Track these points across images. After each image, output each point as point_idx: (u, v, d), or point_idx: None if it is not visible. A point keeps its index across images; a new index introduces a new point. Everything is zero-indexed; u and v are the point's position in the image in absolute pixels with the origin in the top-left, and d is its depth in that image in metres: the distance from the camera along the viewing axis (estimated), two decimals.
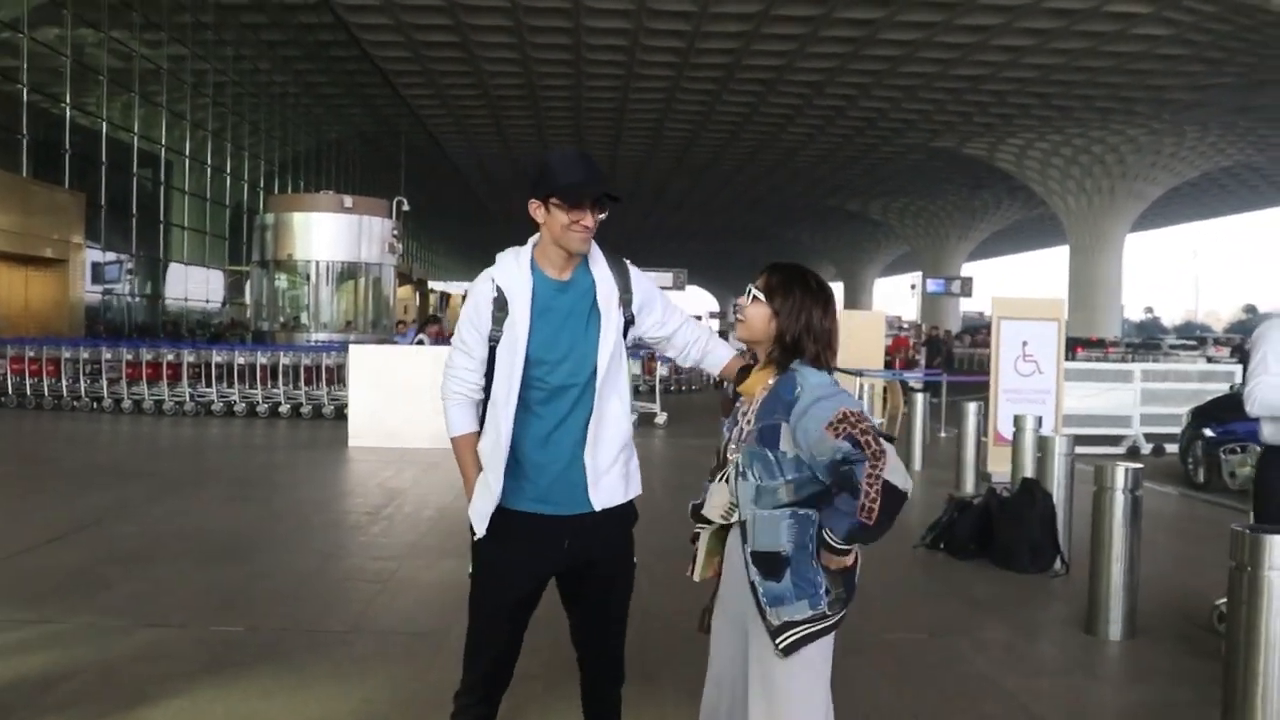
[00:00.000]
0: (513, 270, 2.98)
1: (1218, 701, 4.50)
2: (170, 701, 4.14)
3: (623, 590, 3.13)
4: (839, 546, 2.60)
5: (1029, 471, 7.90)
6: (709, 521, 2.89)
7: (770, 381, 2.79)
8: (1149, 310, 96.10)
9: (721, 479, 2.83)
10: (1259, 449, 5.08)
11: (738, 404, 2.92)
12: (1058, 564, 6.75)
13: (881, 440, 2.57)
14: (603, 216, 2.94)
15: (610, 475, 2.98)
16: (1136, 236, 48.63)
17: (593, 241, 3.01)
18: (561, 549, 2.99)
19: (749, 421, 2.77)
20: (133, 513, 8.12)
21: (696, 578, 2.93)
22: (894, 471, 2.54)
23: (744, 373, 2.94)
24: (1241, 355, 29.29)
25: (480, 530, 3.01)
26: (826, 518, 2.61)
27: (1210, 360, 29.46)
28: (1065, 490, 6.95)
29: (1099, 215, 40.81)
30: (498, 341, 2.95)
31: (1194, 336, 50.41)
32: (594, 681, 3.21)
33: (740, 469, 2.73)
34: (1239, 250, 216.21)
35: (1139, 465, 5.42)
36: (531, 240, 3.04)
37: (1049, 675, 4.84)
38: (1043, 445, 7.12)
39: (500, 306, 2.95)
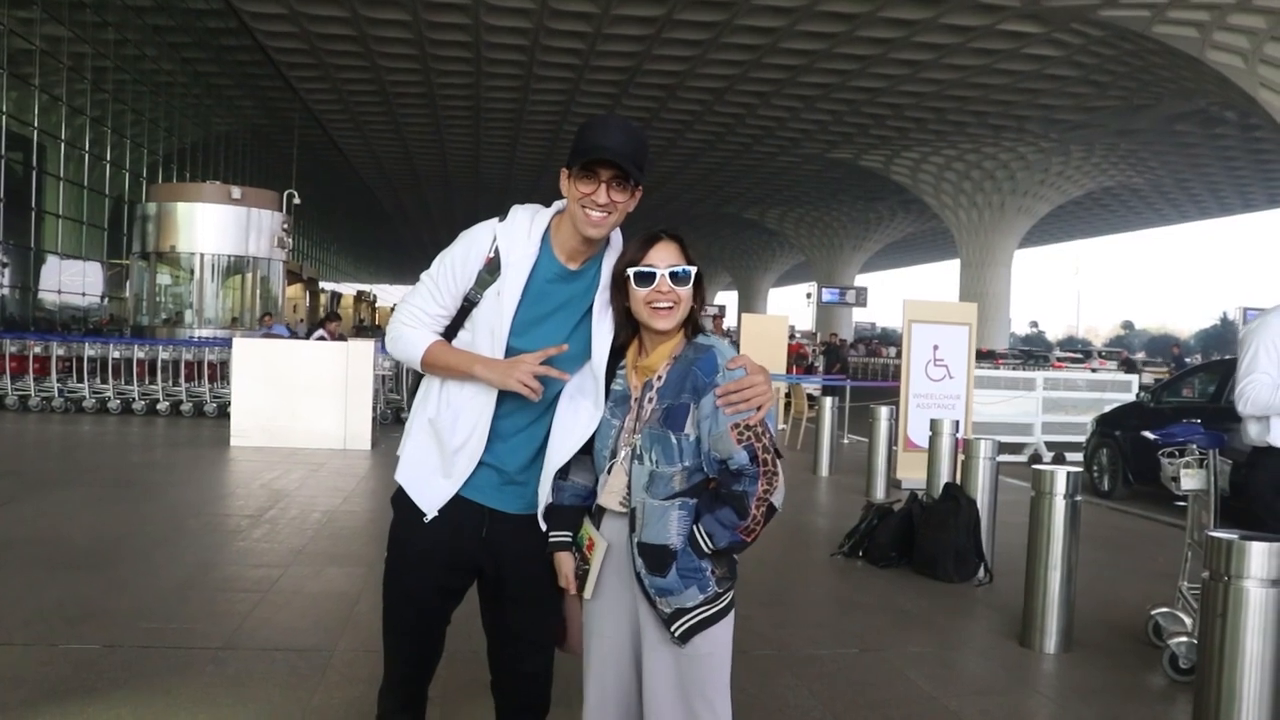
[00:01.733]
0: (520, 236, 2.57)
1: (1167, 718, 4.29)
2: None
3: (547, 606, 2.70)
4: (707, 551, 2.40)
5: (945, 477, 7.70)
6: (573, 526, 2.57)
7: (674, 357, 2.47)
8: (1034, 324, 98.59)
9: (619, 463, 2.49)
10: (1201, 452, 4.90)
11: (625, 384, 2.55)
12: (981, 572, 6.52)
13: (776, 461, 2.39)
14: (624, 201, 2.51)
15: (541, 486, 2.61)
16: (1024, 252, 49.85)
17: (618, 235, 2.62)
18: (479, 536, 2.63)
19: (650, 400, 2.45)
20: None
21: (589, 594, 2.55)
22: (779, 492, 2.40)
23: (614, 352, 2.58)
24: (1129, 367, 30.11)
25: (431, 513, 2.63)
26: (706, 523, 2.40)
27: (1094, 372, 30.15)
28: (990, 496, 6.74)
29: (989, 230, 41.66)
30: (474, 305, 2.60)
31: (1078, 350, 51.92)
32: (508, 708, 2.81)
33: (637, 452, 2.43)
34: (1118, 269, 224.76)
35: (1078, 470, 5.19)
36: (556, 205, 2.63)
37: (991, 693, 4.54)
38: (968, 449, 6.89)
39: (492, 270, 2.56)
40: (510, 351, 2.55)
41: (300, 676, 4.30)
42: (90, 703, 3.87)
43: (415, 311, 2.67)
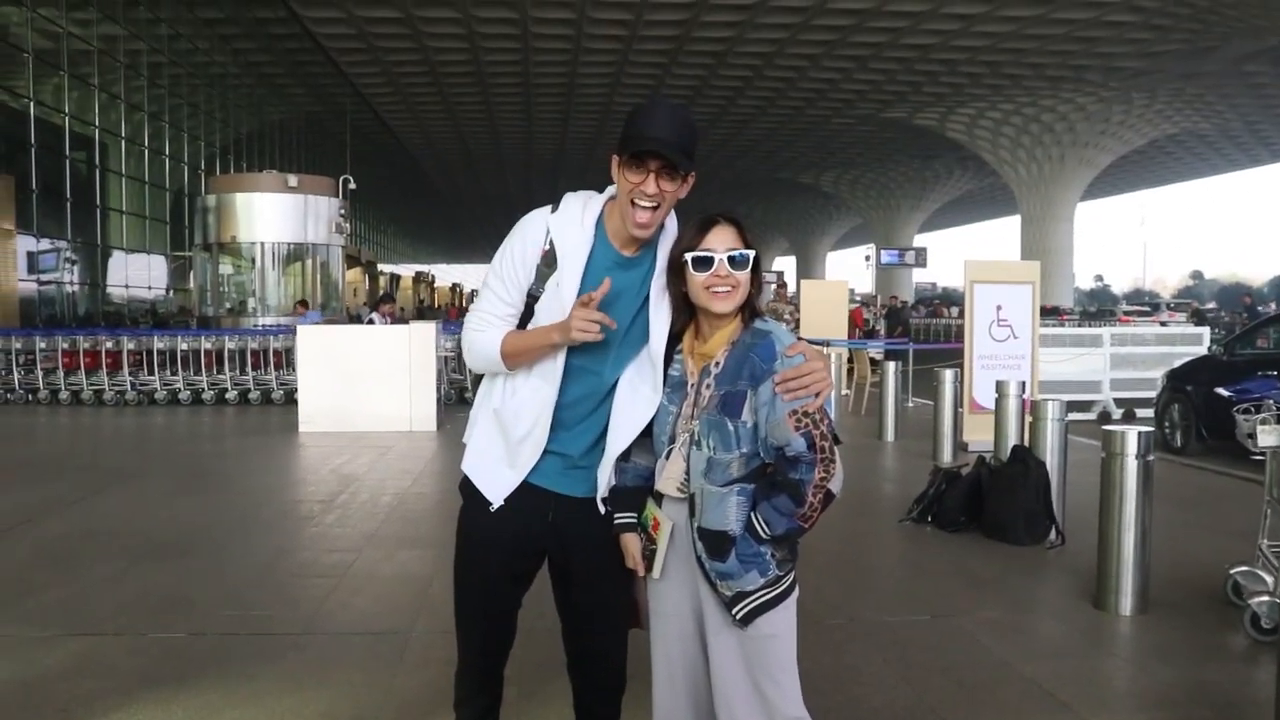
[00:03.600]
0: (574, 226, 2.56)
1: (1251, 679, 4.22)
2: None
3: (617, 587, 2.71)
4: (765, 537, 2.41)
5: (1013, 439, 7.62)
6: (637, 508, 2.58)
7: (732, 343, 2.46)
8: (1099, 278, 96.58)
9: (677, 449, 2.49)
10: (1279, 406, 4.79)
11: (682, 370, 2.54)
12: (1052, 535, 6.44)
13: (834, 448, 2.40)
14: (674, 190, 2.49)
15: (601, 470, 2.62)
16: (1086, 205, 48.80)
17: (673, 219, 2.59)
18: (546, 521, 2.65)
19: (708, 387, 2.44)
20: (66, 510, 7.56)
21: (657, 574, 2.56)
22: (837, 479, 2.40)
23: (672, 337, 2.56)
24: (1200, 319, 29.38)
25: (498, 502, 2.66)
26: (763, 510, 2.41)
27: (1164, 325, 29.52)
28: (1059, 457, 6.65)
29: (1050, 184, 40.87)
30: (535, 299, 2.59)
31: (1145, 303, 50.81)
32: (585, 689, 2.84)
33: (696, 438, 2.44)
34: (1185, 218, 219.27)
35: (1149, 429, 5.10)
36: (609, 191, 2.61)
37: (1067, 657, 4.49)
38: (1036, 410, 6.80)
39: (548, 262, 2.56)
40: (574, 341, 2.55)
41: (379, 660, 4.38)
42: (181, 690, 3.99)
43: (485, 316, 2.66)
